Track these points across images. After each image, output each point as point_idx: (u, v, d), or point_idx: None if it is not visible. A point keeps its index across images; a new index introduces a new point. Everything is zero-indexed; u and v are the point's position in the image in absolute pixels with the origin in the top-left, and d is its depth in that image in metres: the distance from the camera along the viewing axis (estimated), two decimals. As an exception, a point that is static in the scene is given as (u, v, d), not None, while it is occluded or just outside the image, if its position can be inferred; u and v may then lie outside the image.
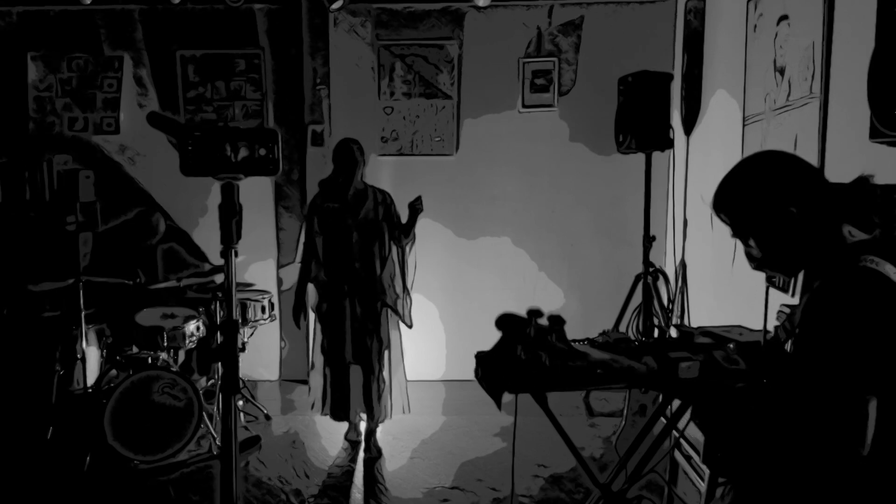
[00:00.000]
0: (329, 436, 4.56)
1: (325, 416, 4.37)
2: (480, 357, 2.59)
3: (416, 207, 4.16)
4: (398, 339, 4.36)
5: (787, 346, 1.85)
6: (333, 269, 4.19)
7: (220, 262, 1.68)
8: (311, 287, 4.33)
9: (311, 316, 4.44)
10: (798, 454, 1.53)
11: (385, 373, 4.26)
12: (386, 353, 4.27)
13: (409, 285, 4.34)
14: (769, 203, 1.63)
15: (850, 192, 1.66)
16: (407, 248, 4.31)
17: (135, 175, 5.57)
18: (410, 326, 4.33)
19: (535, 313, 1.73)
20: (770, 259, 1.68)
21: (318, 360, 4.34)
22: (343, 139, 4.23)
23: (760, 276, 3.41)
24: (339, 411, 4.32)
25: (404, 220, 4.24)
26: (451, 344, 5.64)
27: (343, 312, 4.19)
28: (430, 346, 5.59)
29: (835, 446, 1.46)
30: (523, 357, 1.73)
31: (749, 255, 1.73)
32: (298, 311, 4.33)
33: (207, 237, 5.58)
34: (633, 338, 3.11)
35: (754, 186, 1.66)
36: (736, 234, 1.72)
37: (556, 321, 1.74)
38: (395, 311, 4.26)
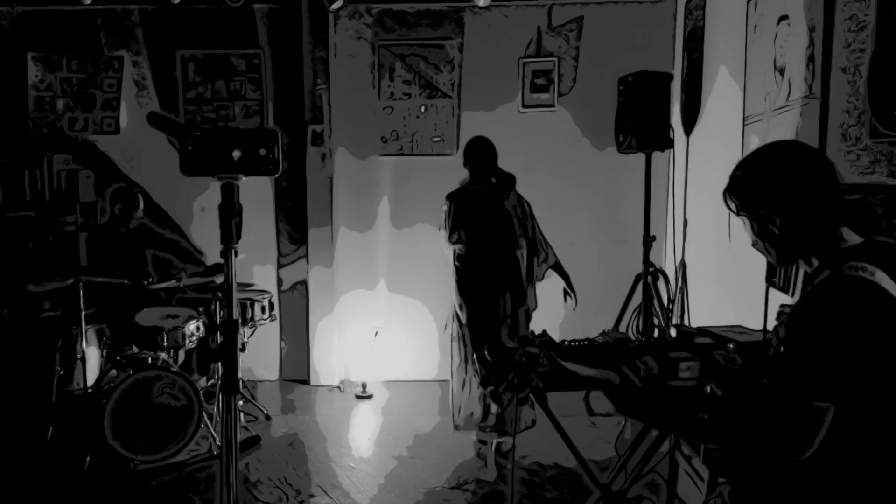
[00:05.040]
0: (330, 436, 4.57)
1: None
2: (481, 358, 2.59)
3: None
4: None
5: (777, 350, 1.91)
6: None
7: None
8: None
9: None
10: (756, 447, 1.63)
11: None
12: None
13: None
14: (782, 192, 1.69)
15: (855, 202, 1.73)
16: None
17: (133, 175, 5.56)
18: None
19: (524, 341, 1.78)
20: (769, 241, 1.75)
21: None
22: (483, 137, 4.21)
23: (760, 277, 3.41)
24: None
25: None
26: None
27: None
28: (430, 346, 5.58)
29: (784, 443, 1.55)
30: (516, 382, 1.80)
31: (751, 233, 1.80)
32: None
33: (206, 237, 5.58)
34: (633, 338, 3.11)
35: (773, 172, 1.72)
36: (741, 211, 1.78)
37: (546, 346, 1.79)
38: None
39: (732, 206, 1.79)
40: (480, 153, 4.13)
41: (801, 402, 1.52)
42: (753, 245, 1.80)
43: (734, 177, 1.79)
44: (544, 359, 1.77)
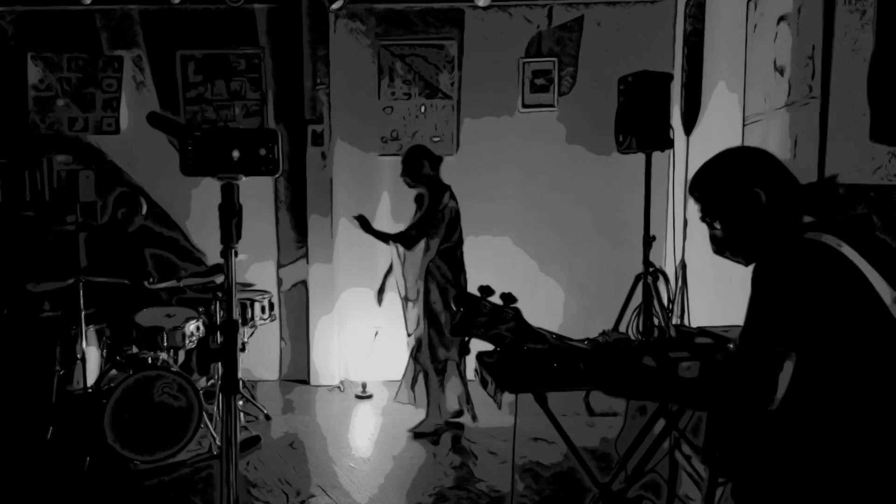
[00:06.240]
0: (330, 436, 4.56)
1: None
2: (481, 358, 2.59)
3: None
4: None
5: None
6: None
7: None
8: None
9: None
10: (720, 407, 1.64)
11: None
12: None
13: None
14: (739, 186, 1.72)
15: (817, 189, 1.74)
16: None
17: (133, 175, 5.56)
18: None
19: (486, 290, 1.75)
20: (731, 242, 1.78)
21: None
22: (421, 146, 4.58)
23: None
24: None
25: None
26: (451, 344, 5.63)
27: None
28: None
29: (745, 397, 1.54)
30: (483, 332, 1.76)
31: (713, 238, 1.83)
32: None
33: (209, 237, 5.57)
34: (632, 338, 3.11)
35: (729, 170, 1.78)
36: (705, 214, 1.82)
37: (509, 298, 1.77)
38: None
39: (697, 208, 1.82)
40: (432, 157, 4.45)
41: (760, 345, 1.53)
42: (717, 251, 1.81)
43: (695, 177, 1.82)
44: (509, 311, 1.77)
